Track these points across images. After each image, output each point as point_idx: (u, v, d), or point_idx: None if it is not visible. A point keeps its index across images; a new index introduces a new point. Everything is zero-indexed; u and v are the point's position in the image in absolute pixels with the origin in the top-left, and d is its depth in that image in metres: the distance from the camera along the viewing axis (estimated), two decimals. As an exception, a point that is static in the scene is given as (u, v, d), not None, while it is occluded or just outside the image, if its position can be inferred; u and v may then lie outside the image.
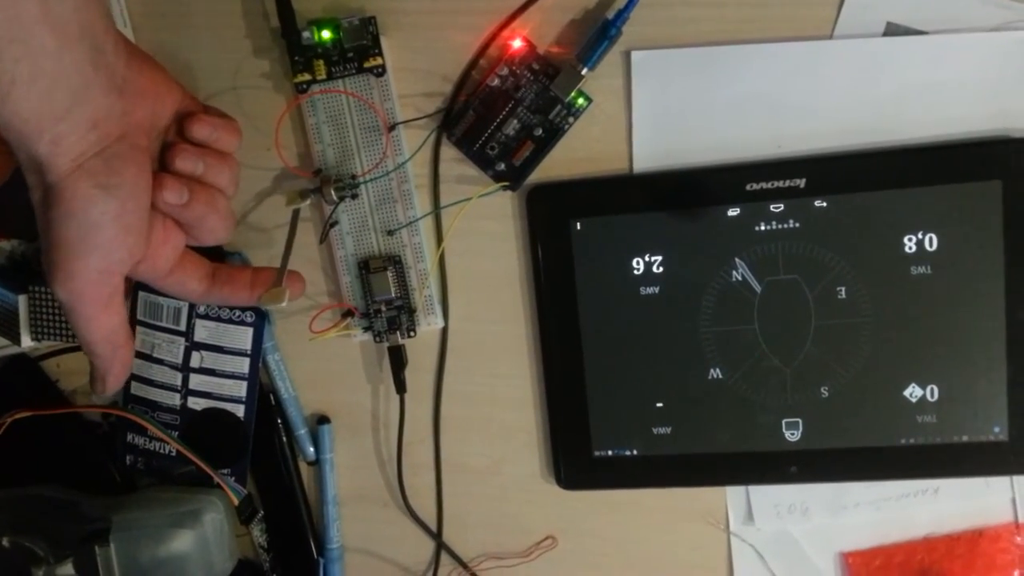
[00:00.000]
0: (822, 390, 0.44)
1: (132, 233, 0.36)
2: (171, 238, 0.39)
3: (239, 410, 0.49)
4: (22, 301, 0.48)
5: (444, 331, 0.48)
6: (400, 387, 0.48)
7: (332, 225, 0.46)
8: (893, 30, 0.42)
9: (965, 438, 0.44)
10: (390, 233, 0.47)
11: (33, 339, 0.49)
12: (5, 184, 0.47)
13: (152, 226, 0.37)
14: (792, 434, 0.45)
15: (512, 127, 0.45)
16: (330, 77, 0.45)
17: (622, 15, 0.42)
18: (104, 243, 0.34)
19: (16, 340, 0.49)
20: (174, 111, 0.38)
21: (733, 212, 0.44)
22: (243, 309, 0.48)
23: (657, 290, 0.45)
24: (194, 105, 0.40)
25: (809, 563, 0.47)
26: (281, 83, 0.47)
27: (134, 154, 0.35)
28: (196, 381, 0.49)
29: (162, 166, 0.38)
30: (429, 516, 0.51)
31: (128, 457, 0.51)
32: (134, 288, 0.49)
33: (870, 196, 0.43)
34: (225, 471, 0.50)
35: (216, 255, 0.48)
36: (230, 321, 0.49)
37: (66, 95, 0.32)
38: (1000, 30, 0.41)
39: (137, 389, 0.50)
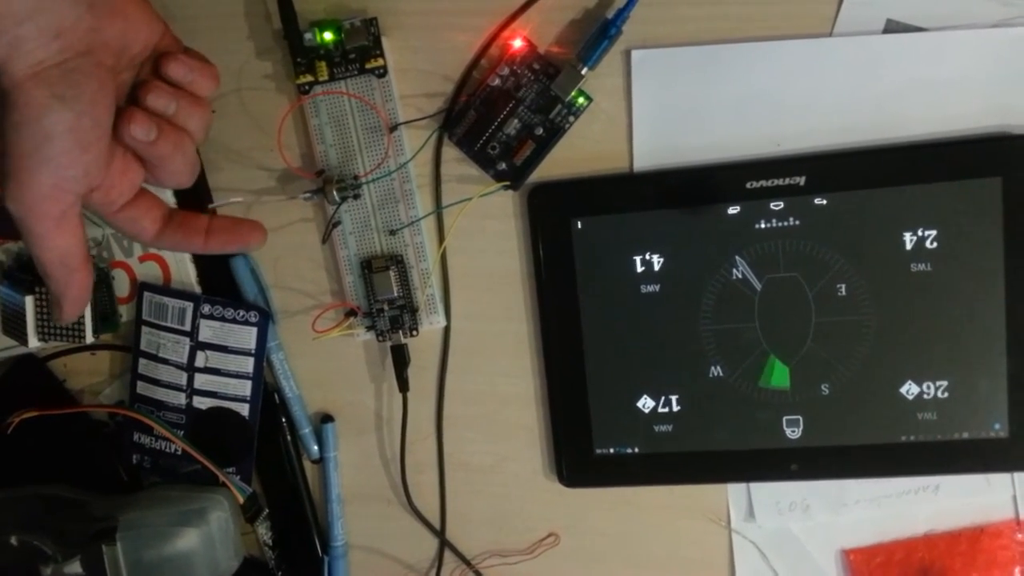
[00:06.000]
0: (823, 387, 0.45)
1: (88, 151, 0.35)
2: (130, 171, 0.38)
3: (244, 409, 0.50)
4: (29, 302, 0.49)
5: (446, 330, 0.49)
6: (403, 386, 0.48)
7: (335, 225, 0.47)
8: (893, 27, 0.42)
9: (966, 435, 0.44)
10: (392, 233, 0.47)
11: (40, 340, 0.49)
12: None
13: (112, 155, 0.37)
14: (793, 431, 0.45)
15: (513, 127, 0.45)
16: (332, 78, 0.45)
17: (622, 14, 0.42)
18: (56, 156, 0.34)
19: (23, 341, 0.49)
20: (151, 44, 0.38)
21: (733, 210, 0.44)
22: (247, 308, 0.49)
23: (658, 288, 0.45)
24: (174, 45, 0.39)
25: (810, 560, 0.47)
26: (284, 84, 0.47)
27: (97, 71, 0.34)
28: (201, 381, 0.50)
29: (133, 102, 0.38)
30: (432, 514, 0.51)
31: (134, 456, 0.52)
32: (139, 288, 0.50)
33: (870, 194, 0.43)
34: (230, 470, 0.51)
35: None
36: (234, 321, 0.49)
37: None
38: (1000, 27, 0.41)
39: (143, 389, 0.51)
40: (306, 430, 0.51)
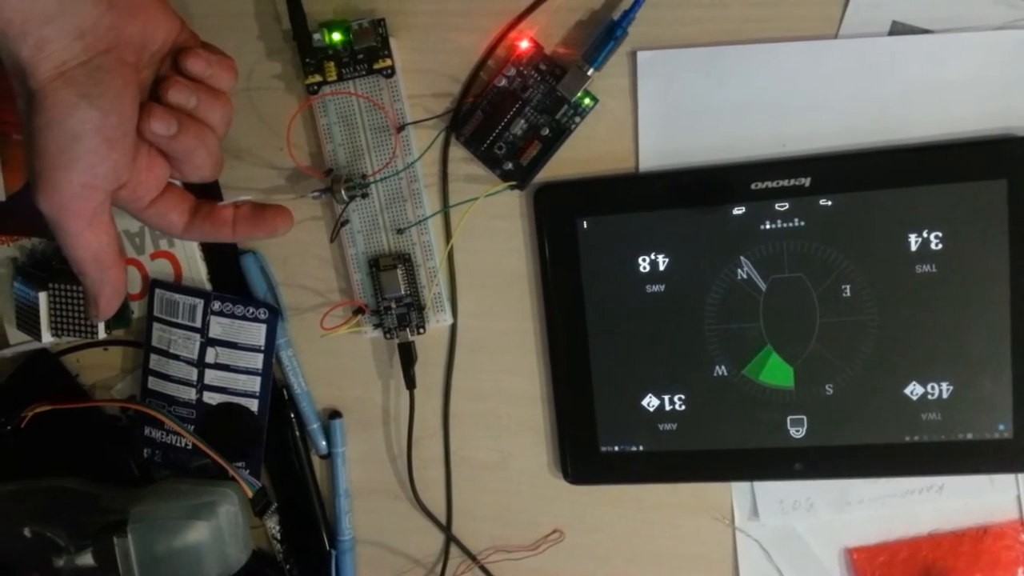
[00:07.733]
0: (827, 387, 0.45)
1: (116, 149, 0.35)
2: (156, 168, 0.38)
3: (253, 405, 0.50)
4: (43, 298, 0.49)
5: (453, 328, 0.49)
6: (410, 383, 0.49)
7: (343, 224, 0.47)
8: (898, 29, 0.42)
9: (970, 436, 0.44)
10: (400, 231, 0.47)
11: (54, 335, 0.50)
12: (25, 186, 0.48)
13: (138, 152, 0.37)
14: (797, 431, 0.45)
15: (519, 127, 0.45)
16: (341, 79, 0.45)
17: (628, 16, 0.42)
18: (86, 155, 0.34)
19: (37, 336, 0.50)
20: (170, 40, 0.38)
21: (738, 211, 0.44)
22: (256, 305, 0.49)
23: (663, 288, 0.46)
24: (193, 40, 0.39)
25: (814, 559, 0.48)
26: (293, 84, 0.47)
27: (120, 69, 0.35)
28: (211, 376, 0.51)
29: (155, 98, 0.38)
30: (439, 509, 0.52)
31: (146, 450, 0.53)
32: (151, 285, 0.51)
33: (875, 195, 0.43)
34: (240, 464, 0.51)
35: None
36: (244, 318, 0.50)
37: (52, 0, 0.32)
38: (1006, 29, 0.41)
39: (154, 384, 0.51)
40: (314, 426, 0.52)
